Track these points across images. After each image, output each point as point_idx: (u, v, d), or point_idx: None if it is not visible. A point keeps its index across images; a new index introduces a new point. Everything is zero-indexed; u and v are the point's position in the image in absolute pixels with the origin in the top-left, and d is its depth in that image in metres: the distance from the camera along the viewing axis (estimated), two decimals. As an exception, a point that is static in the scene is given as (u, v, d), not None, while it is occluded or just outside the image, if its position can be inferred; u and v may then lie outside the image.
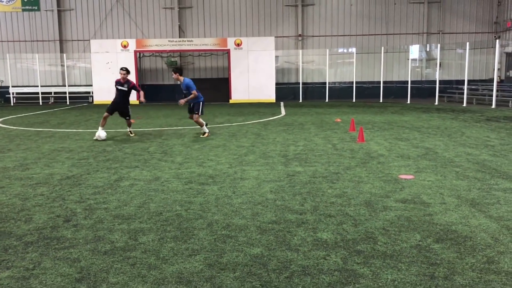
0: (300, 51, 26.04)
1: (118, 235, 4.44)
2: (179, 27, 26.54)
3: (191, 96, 10.79)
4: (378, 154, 8.63)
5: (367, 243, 4.16)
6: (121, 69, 11.23)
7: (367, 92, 25.61)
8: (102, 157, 8.70)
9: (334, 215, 4.98)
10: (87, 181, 6.67)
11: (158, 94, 26.58)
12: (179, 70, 11.02)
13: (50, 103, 26.10)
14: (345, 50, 26.66)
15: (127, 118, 11.60)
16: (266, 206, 5.33)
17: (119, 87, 11.17)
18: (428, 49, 26.40)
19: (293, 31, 26.85)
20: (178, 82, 11.16)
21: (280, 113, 17.86)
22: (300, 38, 26.72)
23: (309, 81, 26.79)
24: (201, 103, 11.18)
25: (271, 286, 3.34)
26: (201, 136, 11.08)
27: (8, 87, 25.85)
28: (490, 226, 4.56)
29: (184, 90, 11.11)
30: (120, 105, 11.33)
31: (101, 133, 10.68)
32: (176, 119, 16.13)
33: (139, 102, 11.60)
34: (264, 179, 6.68)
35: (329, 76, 25.78)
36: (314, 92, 26.44)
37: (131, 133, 11.60)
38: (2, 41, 26.95)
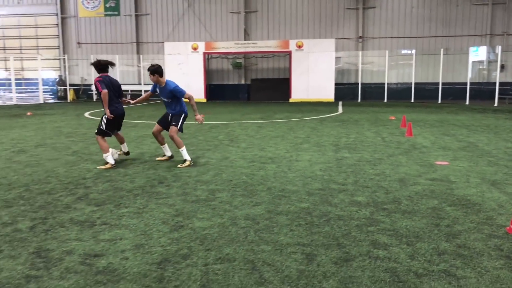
0: (360, 52, 26.79)
1: (200, 191, 5.87)
2: (245, 30, 28.17)
3: (192, 102, 7.56)
4: (422, 146, 9.56)
5: (393, 204, 5.29)
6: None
7: (425, 93, 25.90)
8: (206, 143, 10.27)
9: (371, 186, 6.12)
10: (171, 159, 8.21)
11: (223, 93, 28.35)
12: (157, 71, 7.44)
13: (127, 100, 28.58)
14: (406, 52, 27.07)
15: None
16: (314, 179, 6.56)
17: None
18: (491, 51, 26.22)
19: (354, 33, 27.64)
20: (156, 90, 7.72)
21: (337, 111, 18.88)
22: (360, 39, 27.48)
23: (368, 81, 27.46)
24: (182, 115, 7.71)
25: (313, 225, 4.58)
26: (179, 166, 7.41)
27: (90, 84, 28.66)
28: (500, 198, 5.52)
29: (166, 98, 7.58)
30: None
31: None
32: (239, 114, 17.63)
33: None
34: (315, 162, 7.89)
35: (388, 77, 26.33)
36: (372, 93, 27.08)
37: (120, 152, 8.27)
38: (86, 43, 29.89)
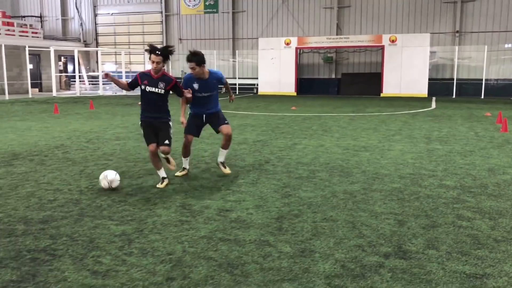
0: (457, 47, 26.05)
1: (301, 171, 6.77)
2: (337, 25, 28.58)
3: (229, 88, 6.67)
4: (516, 141, 9.65)
5: (479, 188, 5.79)
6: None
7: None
8: (277, 131, 11.27)
9: (459, 174, 6.62)
10: (272, 144, 9.21)
11: (312, 87, 29.04)
12: (203, 60, 6.02)
13: (221, 92, 30.38)
14: (508, 46, 25.82)
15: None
16: (406, 166, 7.17)
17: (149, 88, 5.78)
18: None
19: (450, 28, 26.90)
20: (193, 81, 6.12)
21: (430, 106, 18.80)
22: (457, 34, 26.68)
23: (464, 77, 26.61)
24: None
25: (404, 200, 5.27)
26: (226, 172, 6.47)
27: (190, 78, 30.80)
28: None
29: (210, 92, 6.19)
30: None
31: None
32: (331, 108, 18.28)
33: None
34: (407, 151, 8.45)
35: (486, 73, 25.34)
36: (468, 89, 26.21)
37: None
38: (187, 39, 32.12)
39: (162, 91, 5.72)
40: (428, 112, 16.52)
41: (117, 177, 5.59)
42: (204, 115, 6.33)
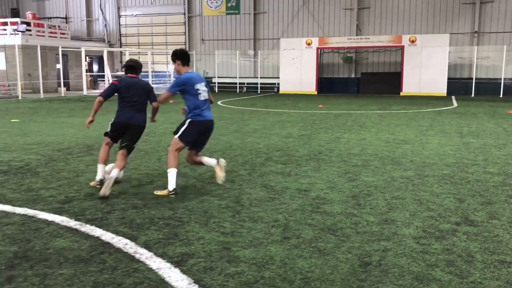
0: (475, 47, 26.58)
1: (355, 160, 7.50)
2: (357, 25, 29.23)
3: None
4: (545, 136, 10.30)
5: (521, 175, 6.50)
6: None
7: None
8: (316, 126, 12.01)
9: (499, 163, 7.31)
10: (317, 137, 9.95)
11: (332, 86, 29.72)
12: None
13: (243, 91, 31.21)
14: (526, 46, 26.30)
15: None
16: (448, 156, 7.87)
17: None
18: None
19: (469, 28, 27.43)
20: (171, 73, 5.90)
21: (452, 105, 19.42)
22: (475, 34, 27.21)
23: (482, 76, 27.13)
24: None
25: (456, 184, 5.98)
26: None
27: (213, 77, 31.65)
28: None
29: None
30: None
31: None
32: (356, 105, 18.97)
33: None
34: (444, 144, 9.14)
35: (506, 73, 25.85)
36: (487, 88, 26.73)
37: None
38: (209, 40, 32.94)
39: None
40: (452, 110, 17.15)
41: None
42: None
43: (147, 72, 28.75)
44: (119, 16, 35.40)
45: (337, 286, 3.12)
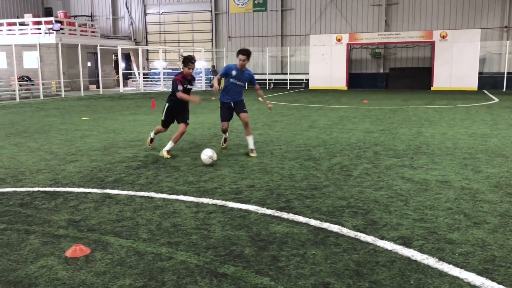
0: (507, 41, 26.88)
1: (460, 153, 7.88)
2: (385, 21, 29.55)
3: (262, 93, 8.25)
4: None
5: None
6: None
7: None
8: (385, 121, 12.37)
9: None
10: (398, 132, 10.31)
11: (361, 81, 30.08)
12: (250, 54, 7.64)
13: (270, 88, 31.58)
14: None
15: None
16: (543, 149, 8.26)
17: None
18: None
19: (498, 23, 27.73)
20: (233, 73, 7.64)
21: (493, 99, 19.76)
22: (506, 29, 27.50)
23: (512, 71, 27.46)
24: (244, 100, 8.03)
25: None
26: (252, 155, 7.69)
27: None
28: None
29: (242, 82, 7.78)
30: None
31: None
32: (400, 100, 19.32)
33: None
34: (527, 137, 9.53)
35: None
36: (517, 82, 27.08)
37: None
38: (235, 37, 33.29)
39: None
40: (498, 104, 17.51)
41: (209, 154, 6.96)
42: (232, 103, 7.86)
43: (179, 69, 29.13)
44: (145, 14, 35.76)
45: None
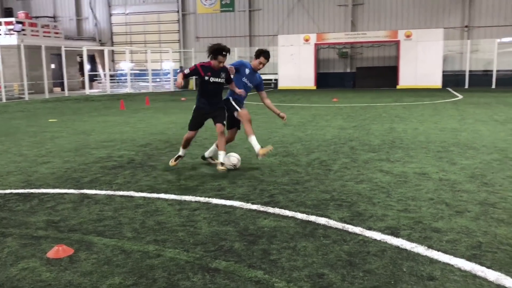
0: (468, 41, 27.76)
1: (433, 147, 8.05)
2: (352, 21, 30.00)
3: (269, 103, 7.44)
4: None
5: None
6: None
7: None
8: (357, 118, 12.53)
9: (562, 145, 8.02)
10: (371, 128, 10.46)
11: (328, 81, 30.41)
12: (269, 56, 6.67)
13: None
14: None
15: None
16: (505, 141, 8.54)
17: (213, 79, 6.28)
18: None
19: (459, 22, 28.61)
20: (245, 72, 6.72)
21: (457, 96, 20.35)
22: (466, 28, 28.41)
23: (473, 69, 28.35)
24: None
25: (546, 164, 6.62)
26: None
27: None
28: None
29: (251, 84, 6.84)
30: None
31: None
32: (368, 98, 19.64)
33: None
34: (498, 131, 9.79)
35: (498, 65, 27.10)
36: (479, 80, 27.94)
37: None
38: (203, 37, 33.06)
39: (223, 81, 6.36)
40: (463, 100, 18.05)
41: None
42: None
43: (146, 70, 28.76)
44: (110, 15, 35.06)
45: (553, 246, 3.62)
